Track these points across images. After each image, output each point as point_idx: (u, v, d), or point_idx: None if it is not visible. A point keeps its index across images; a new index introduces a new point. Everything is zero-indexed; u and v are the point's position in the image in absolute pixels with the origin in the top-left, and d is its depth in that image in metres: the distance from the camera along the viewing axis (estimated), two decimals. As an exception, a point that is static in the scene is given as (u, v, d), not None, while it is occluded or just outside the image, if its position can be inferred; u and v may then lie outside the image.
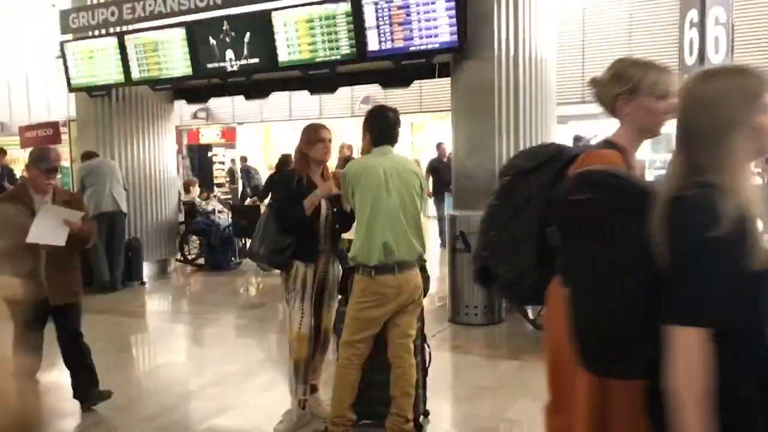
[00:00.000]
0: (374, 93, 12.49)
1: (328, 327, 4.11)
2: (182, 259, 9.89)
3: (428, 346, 4.01)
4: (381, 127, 3.63)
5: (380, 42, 6.82)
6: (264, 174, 14.17)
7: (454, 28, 6.40)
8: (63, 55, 8.82)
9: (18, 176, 11.27)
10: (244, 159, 16.15)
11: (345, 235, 4.13)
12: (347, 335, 3.60)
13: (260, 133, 18.69)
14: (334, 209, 3.95)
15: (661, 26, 11.45)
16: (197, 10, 7.99)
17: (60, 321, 4.13)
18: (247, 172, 14.97)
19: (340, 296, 4.06)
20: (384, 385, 3.62)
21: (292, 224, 3.87)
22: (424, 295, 3.77)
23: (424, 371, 3.93)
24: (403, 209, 3.51)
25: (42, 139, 9.15)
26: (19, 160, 15.49)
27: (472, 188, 6.59)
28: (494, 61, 6.48)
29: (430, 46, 6.62)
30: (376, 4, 6.73)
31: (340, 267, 4.11)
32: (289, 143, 14.08)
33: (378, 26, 6.78)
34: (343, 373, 3.61)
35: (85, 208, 4.22)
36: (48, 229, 3.81)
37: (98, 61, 8.57)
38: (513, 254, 2.12)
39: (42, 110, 19.42)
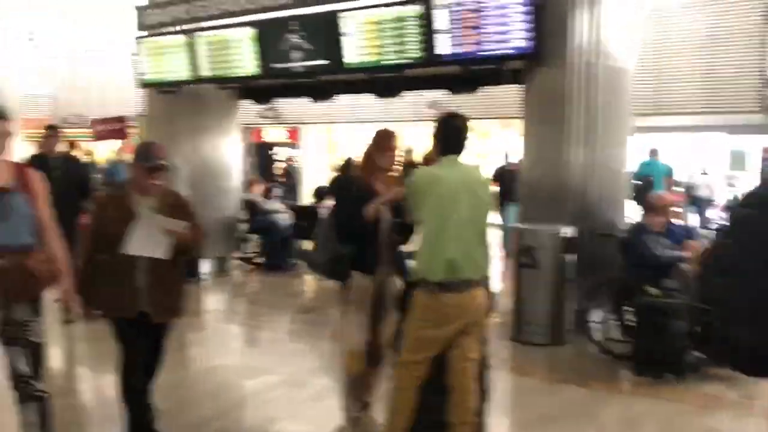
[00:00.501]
0: (441, 98, 12.26)
1: (384, 343, 3.92)
2: (241, 257, 9.90)
3: (489, 370, 3.77)
4: (449, 135, 3.43)
5: (449, 46, 6.61)
6: (316, 175, 14.14)
7: (529, 34, 6.13)
8: (137, 52, 8.95)
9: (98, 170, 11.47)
10: (289, 159, 16.25)
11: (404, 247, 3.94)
12: (405, 355, 3.41)
13: (324, 135, 18.70)
14: (396, 219, 3.77)
15: (740, 37, 10.86)
16: (268, 9, 7.98)
17: (153, 336, 3.59)
18: (290, 173, 15.03)
19: (399, 312, 3.88)
20: (442, 410, 3.40)
21: (351, 232, 3.71)
22: (489, 317, 3.54)
23: (484, 397, 3.70)
24: (472, 224, 3.29)
25: (110, 132, 9.32)
26: (93, 152, 15.91)
27: (539, 200, 6.32)
28: (569, 69, 6.19)
29: (501, 52, 6.37)
30: (448, 7, 6.52)
31: (401, 280, 3.93)
32: (353, 146, 14.01)
33: (448, 30, 6.57)
34: (399, 394, 3.42)
35: (192, 212, 3.63)
36: (149, 239, 3.35)
37: (169, 58, 8.65)
38: (762, 315, 1.70)
39: (117, 104, 19.97)
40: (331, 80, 8.05)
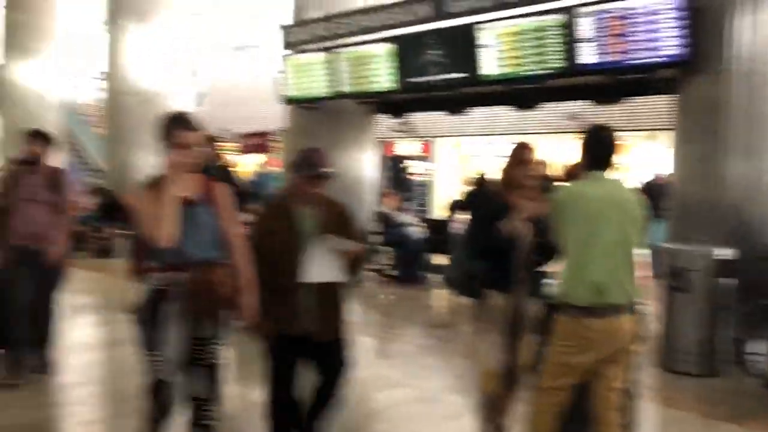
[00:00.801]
0: (582, 109, 11.80)
1: (521, 365, 3.75)
2: (374, 269, 10.00)
3: (635, 399, 3.49)
4: (597, 149, 3.21)
5: (593, 55, 6.32)
6: (449, 189, 14.01)
7: (683, 40, 5.73)
8: (282, 69, 9.34)
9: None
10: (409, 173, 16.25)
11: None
12: (545, 380, 3.22)
13: (457, 148, 18.60)
14: (536, 236, 3.60)
15: None
16: (406, 24, 8.05)
17: (322, 356, 3.40)
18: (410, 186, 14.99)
19: (539, 335, 3.69)
20: (583, 440, 3.18)
21: (486, 248, 3.59)
22: (638, 345, 3.28)
23: (629, 429, 3.43)
24: (621, 245, 3.06)
25: (255, 146, 9.77)
26: (237, 165, 16.79)
27: (692, 218, 5.87)
28: (728, 77, 5.71)
29: (651, 60, 6.01)
30: (592, 15, 6.25)
31: (539, 301, 3.74)
32: (487, 159, 13.80)
33: (592, 38, 6.28)
34: (537, 419, 3.24)
35: (356, 224, 3.53)
36: (323, 264, 3.22)
37: (310, 74, 8.94)
38: None
39: (261, 120, 21.03)
40: (467, 93, 7.97)
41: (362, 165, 9.56)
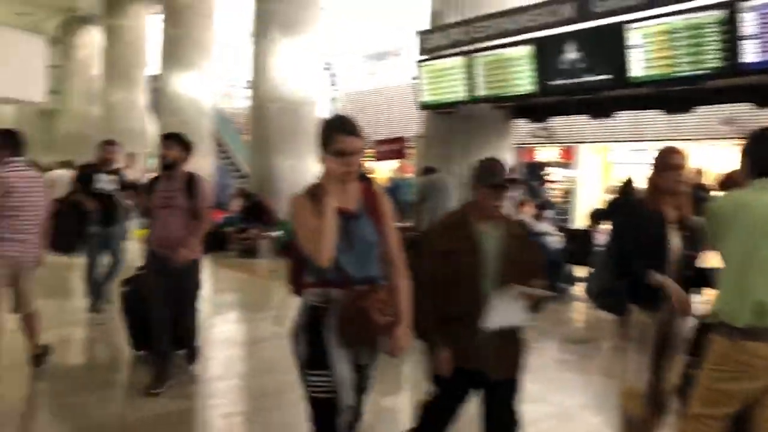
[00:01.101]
0: (740, 112, 10.90)
1: (669, 387, 3.46)
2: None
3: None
4: (763, 155, 2.88)
5: (759, 53, 5.77)
6: (592, 197, 13.44)
7: None
8: (417, 75, 9.37)
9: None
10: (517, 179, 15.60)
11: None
12: (696, 407, 2.93)
13: (600, 154, 17.83)
14: (687, 251, 3.31)
15: None
16: (548, 26, 7.80)
17: (496, 396, 3.06)
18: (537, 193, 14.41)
19: (689, 356, 3.39)
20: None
21: (631, 261, 3.34)
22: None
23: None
24: (789, 261, 2.72)
25: (390, 152, 9.87)
26: (373, 171, 17.11)
27: None
28: None
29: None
30: (758, 9, 5.71)
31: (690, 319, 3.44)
32: (633, 167, 13.12)
33: (758, 35, 5.75)
34: (685, 451, 2.95)
35: (537, 248, 3.18)
36: (508, 309, 2.89)
37: (447, 79, 8.90)
38: None
39: (398, 126, 21.34)
40: (612, 96, 7.58)
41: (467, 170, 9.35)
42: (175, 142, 4.79)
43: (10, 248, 4.53)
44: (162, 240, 4.72)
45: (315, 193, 2.60)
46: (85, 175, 6.83)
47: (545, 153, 18.61)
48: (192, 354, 5.18)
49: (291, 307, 2.78)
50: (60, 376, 4.98)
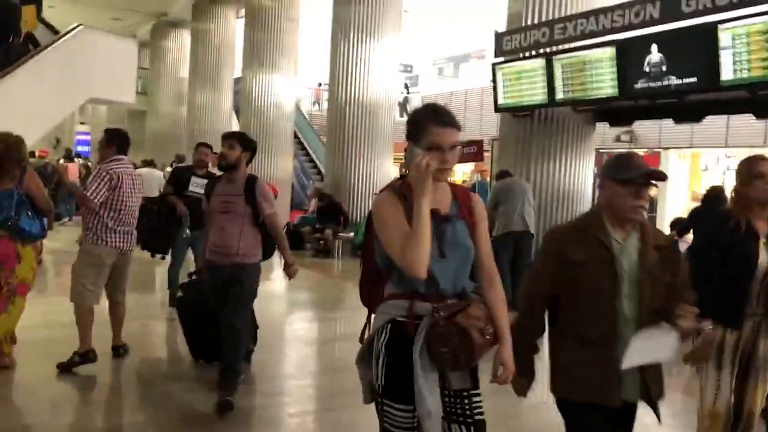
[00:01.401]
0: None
1: (752, 409, 3.26)
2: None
3: None
4: None
5: None
6: (678, 206, 12.89)
7: None
8: (494, 77, 9.25)
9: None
10: None
11: None
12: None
13: (687, 160, 17.11)
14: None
15: None
16: (632, 27, 7.55)
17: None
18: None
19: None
20: None
21: (712, 275, 3.15)
22: None
23: None
24: None
25: (466, 155, 9.77)
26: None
27: None
28: None
29: None
30: None
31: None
32: (723, 174, 12.52)
33: None
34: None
35: (688, 272, 2.63)
36: (653, 344, 2.40)
37: (525, 82, 8.74)
38: None
39: (477, 129, 21.16)
40: (700, 100, 7.24)
41: (578, 177, 9.12)
42: (237, 141, 4.42)
43: (115, 238, 4.92)
44: (217, 247, 4.36)
45: (404, 192, 2.28)
46: (180, 177, 7.01)
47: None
48: (247, 352, 4.93)
49: (362, 307, 2.54)
50: (136, 368, 5.19)
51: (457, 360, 2.19)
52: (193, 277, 5.07)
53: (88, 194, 4.81)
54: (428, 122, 2.25)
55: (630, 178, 2.41)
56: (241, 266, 4.32)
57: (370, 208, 2.35)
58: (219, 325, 4.38)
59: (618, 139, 16.31)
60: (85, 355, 4.87)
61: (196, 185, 6.64)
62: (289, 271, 4.63)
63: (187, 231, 6.80)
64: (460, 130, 2.29)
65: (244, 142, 4.46)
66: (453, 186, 2.43)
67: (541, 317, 2.59)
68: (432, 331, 2.19)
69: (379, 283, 2.36)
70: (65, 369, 4.80)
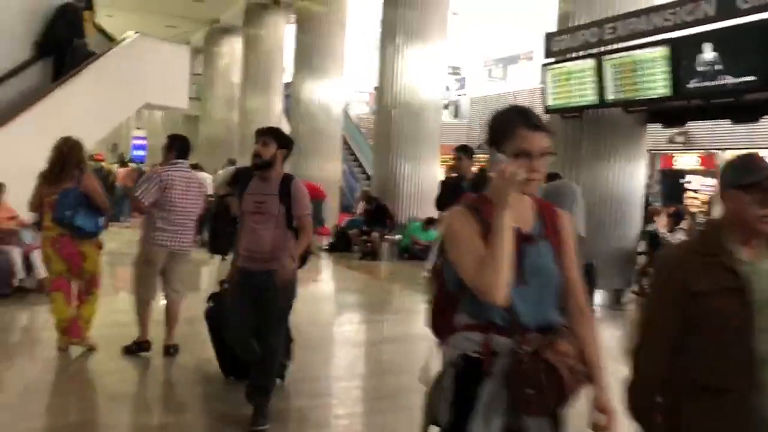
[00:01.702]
0: None
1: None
2: (639, 291, 9.28)
3: None
4: None
5: None
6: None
7: None
8: (543, 78, 9.15)
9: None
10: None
11: None
12: None
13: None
14: None
15: None
16: (685, 25, 7.35)
17: None
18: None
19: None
20: None
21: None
22: None
23: None
24: None
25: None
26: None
27: None
28: None
29: None
30: None
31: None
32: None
33: None
34: None
35: None
36: None
37: (575, 83, 8.61)
38: None
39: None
40: (758, 99, 7.01)
41: (630, 179, 8.92)
42: (273, 138, 4.05)
43: (164, 237, 5.13)
44: (249, 251, 4.04)
45: (478, 208, 2.00)
46: (242, 177, 7.12)
47: (684, 160, 17.56)
48: (265, 386, 4.21)
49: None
50: (185, 367, 5.29)
51: (544, 403, 1.88)
52: (225, 285, 4.66)
53: (137, 195, 5.06)
54: (516, 125, 1.98)
55: (754, 181, 1.94)
56: (274, 274, 3.92)
57: (442, 226, 2.05)
58: (240, 343, 4.09)
59: (671, 141, 15.92)
60: (141, 345, 5.25)
61: None
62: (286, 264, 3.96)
63: None
64: (551, 135, 2.00)
65: (279, 139, 4.09)
66: (536, 200, 2.09)
67: (665, 364, 2.04)
68: (516, 369, 1.87)
69: (450, 311, 2.05)
70: (126, 353, 5.21)
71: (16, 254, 7.08)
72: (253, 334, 4.07)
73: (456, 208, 2.04)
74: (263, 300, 3.97)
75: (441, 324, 2.12)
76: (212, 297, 4.86)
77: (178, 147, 5.31)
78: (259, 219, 4.02)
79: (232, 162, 16.11)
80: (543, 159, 1.97)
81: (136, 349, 5.24)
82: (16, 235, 7.30)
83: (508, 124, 2.00)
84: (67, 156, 5.06)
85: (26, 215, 7.69)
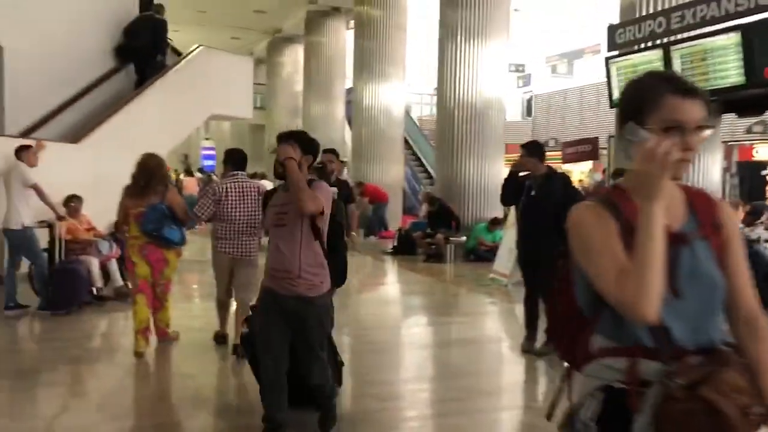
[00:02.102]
0: None
1: None
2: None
3: None
4: None
5: None
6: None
7: None
8: (607, 72, 8.90)
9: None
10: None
11: None
12: None
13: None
14: None
15: None
16: (758, 9, 7.02)
17: None
18: None
19: None
20: None
21: None
22: None
23: None
24: None
25: (580, 154, 9.47)
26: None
27: None
28: None
29: None
30: None
31: None
32: None
33: None
34: None
35: None
36: None
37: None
38: None
39: (590, 126, 20.44)
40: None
41: (704, 171, 8.57)
42: (296, 142, 3.58)
43: (225, 245, 5.48)
44: (273, 270, 3.60)
45: (616, 202, 1.62)
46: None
47: (765, 150, 16.78)
48: (326, 418, 3.89)
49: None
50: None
51: None
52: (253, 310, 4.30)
53: (195, 210, 5.47)
54: (663, 91, 1.58)
55: None
56: (306, 300, 3.53)
57: (568, 225, 1.65)
58: (267, 372, 3.70)
59: (749, 131, 15.28)
60: (218, 337, 5.81)
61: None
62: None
63: None
64: (706, 104, 1.59)
65: (303, 144, 3.62)
66: (685, 188, 1.69)
67: None
68: (665, 408, 1.47)
69: (583, 333, 1.67)
70: (215, 340, 5.80)
71: (94, 264, 7.39)
72: (289, 363, 3.68)
73: (585, 204, 1.65)
74: (296, 332, 3.60)
75: (571, 349, 1.72)
76: (247, 320, 4.30)
77: (232, 160, 5.66)
78: (282, 232, 3.58)
79: (261, 175, 16.38)
80: (699, 133, 1.56)
81: (216, 341, 5.79)
82: (93, 246, 7.62)
83: (653, 91, 1.59)
84: (152, 172, 5.50)
85: (102, 226, 8.06)
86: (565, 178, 5.95)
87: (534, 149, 5.86)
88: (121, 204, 5.55)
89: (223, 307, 5.79)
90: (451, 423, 4.36)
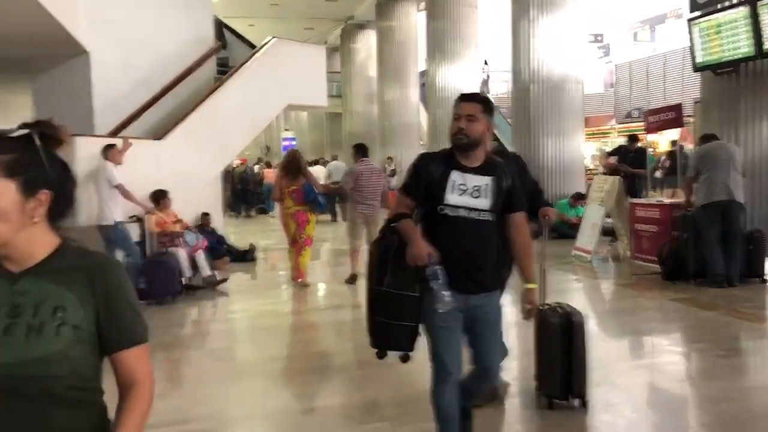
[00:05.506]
0: None
1: None
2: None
3: None
4: None
5: None
6: None
7: None
8: (690, 34, 8.50)
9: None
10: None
11: None
12: None
13: None
14: None
15: None
16: None
17: None
18: None
19: None
20: None
21: None
22: None
23: None
24: None
25: (664, 122, 9.06)
26: (656, 144, 15.72)
27: None
28: None
29: None
30: None
31: None
32: None
33: None
34: None
35: None
36: None
37: (725, 35, 7.91)
38: None
39: (674, 93, 19.53)
40: None
41: None
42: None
43: (362, 209, 7.93)
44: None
45: None
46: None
47: None
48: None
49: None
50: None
51: None
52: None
53: (341, 183, 8.05)
54: None
55: None
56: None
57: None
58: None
59: None
60: (351, 278, 7.99)
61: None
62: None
63: None
64: None
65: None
66: None
67: None
68: None
69: None
70: (347, 282, 8.01)
71: (182, 255, 7.70)
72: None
73: None
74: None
75: None
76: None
77: (360, 150, 8.19)
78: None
79: (334, 157, 19.03)
80: None
81: (348, 281, 7.98)
82: (181, 237, 7.93)
83: None
84: (298, 163, 7.98)
85: (189, 218, 8.37)
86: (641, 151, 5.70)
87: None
88: (276, 185, 8.06)
89: (354, 254, 8.03)
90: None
